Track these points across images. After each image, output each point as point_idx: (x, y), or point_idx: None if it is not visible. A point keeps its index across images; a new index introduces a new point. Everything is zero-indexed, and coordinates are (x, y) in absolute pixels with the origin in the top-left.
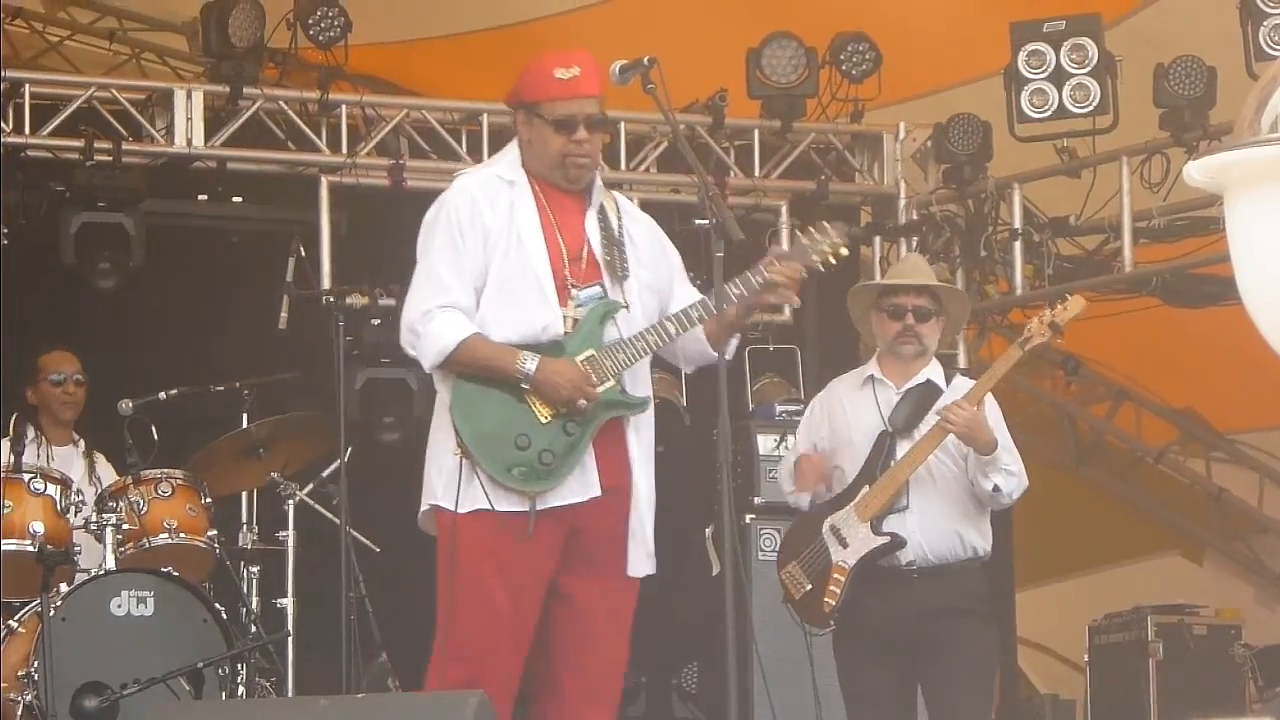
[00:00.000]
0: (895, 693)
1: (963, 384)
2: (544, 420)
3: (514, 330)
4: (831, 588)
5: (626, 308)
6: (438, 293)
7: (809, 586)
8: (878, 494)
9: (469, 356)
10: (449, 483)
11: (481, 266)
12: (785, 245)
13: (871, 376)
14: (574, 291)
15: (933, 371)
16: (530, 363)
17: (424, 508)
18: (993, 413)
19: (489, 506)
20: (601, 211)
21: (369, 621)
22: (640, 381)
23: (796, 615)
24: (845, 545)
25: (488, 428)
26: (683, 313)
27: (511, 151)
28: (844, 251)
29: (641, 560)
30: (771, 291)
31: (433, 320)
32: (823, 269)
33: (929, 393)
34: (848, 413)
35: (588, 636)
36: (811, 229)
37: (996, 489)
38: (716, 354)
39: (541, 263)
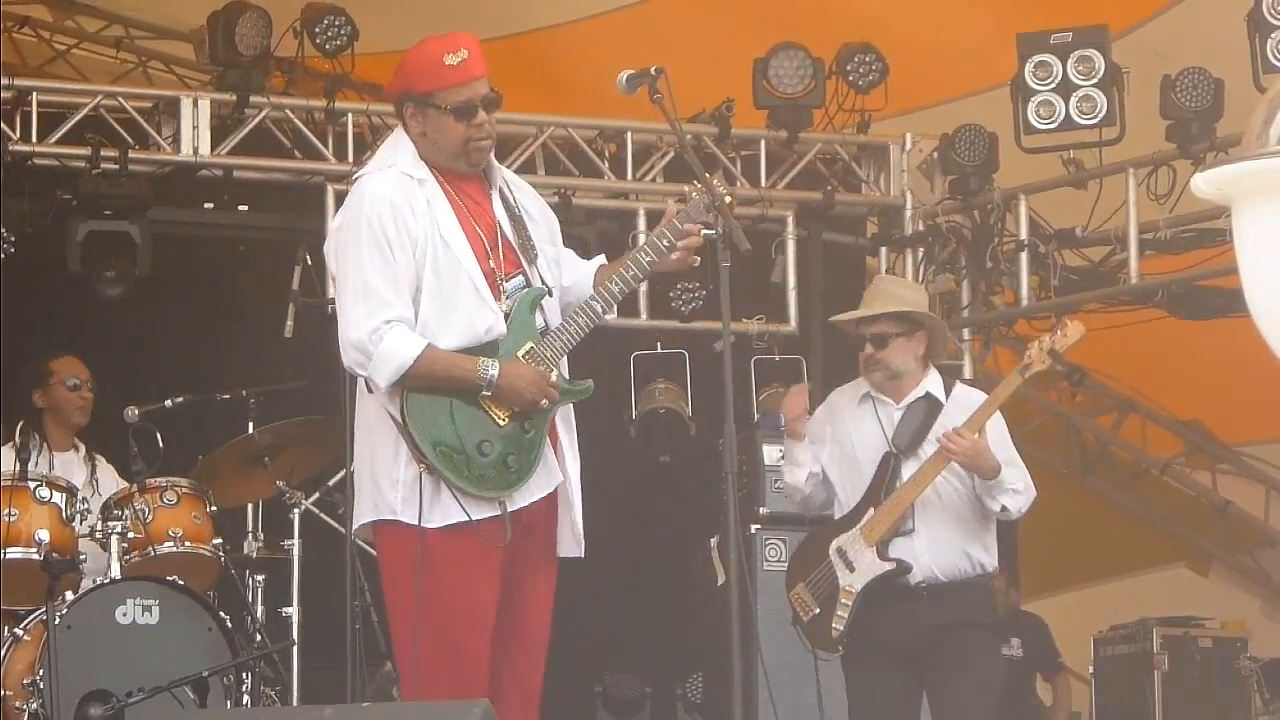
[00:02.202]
0: (900, 701)
1: (964, 394)
2: (501, 423)
3: (458, 336)
4: (839, 612)
5: (550, 293)
6: (380, 308)
7: (817, 610)
8: (883, 518)
9: (427, 369)
10: (409, 497)
11: (413, 275)
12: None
13: (869, 394)
14: (503, 285)
15: (931, 384)
16: (492, 369)
17: (370, 519)
18: (998, 429)
19: (465, 518)
20: (501, 192)
21: (374, 630)
22: (565, 366)
23: (805, 638)
24: (852, 569)
25: (448, 439)
26: (605, 290)
27: (403, 147)
28: (729, 199)
29: (572, 543)
30: (672, 260)
31: (383, 339)
32: (716, 229)
33: (930, 408)
34: (850, 431)
35: (526, 632)
36: (696, 184)
37: (1004, 509)
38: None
39: (471, 263)
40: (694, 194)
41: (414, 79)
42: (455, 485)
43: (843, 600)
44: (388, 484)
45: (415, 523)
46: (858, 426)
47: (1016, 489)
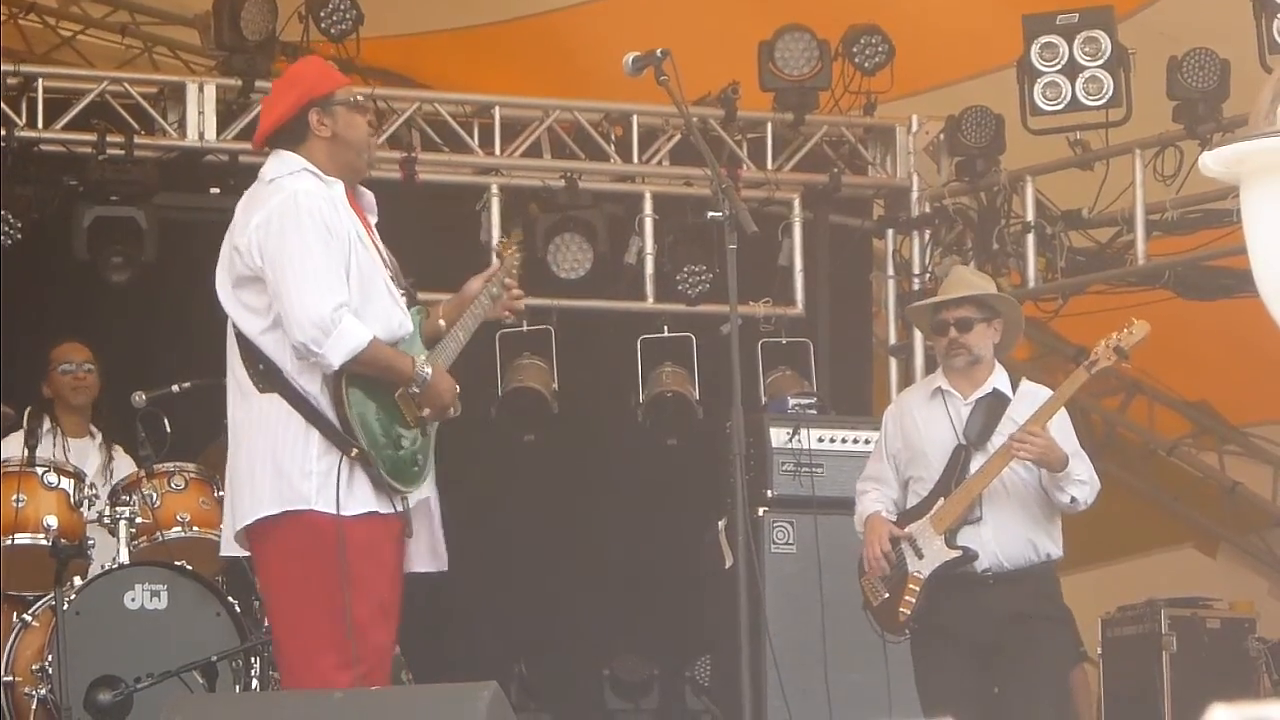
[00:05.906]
0: (972, 695)
1: (1029, 390)
2: (411, 424)
3: (381, 329)
4: (907, 597)
5: (427, 315)
6: (335, 291)
7: (886, 595)
8: (952, 507)
9: (373, 357)
10: (324, 486)
11: (346, 268)
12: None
13: (940, 389)
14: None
15: (998, 380)
16: (427, 368)
17: (274, 511)
18: (1061, 423)
19: (376, 509)
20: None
21: None
22: None
23: (874, 622)
24: (921, 556)
25: (377, 431)
26: (471, 316)
27: (295, 161)
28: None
29: (430, 558)
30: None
31: (342, 320)
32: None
33: (998, 402)
34: (920, 425)
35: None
36: (506, 241)
37: (1073, 500)
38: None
39: (380, 263)
40: (505, 252)
41: (314, 84)
42: (378, 474)
43: (910, 586)
44: (299, 475)
45: (331, 511)
46: (928, 421)
47: (1083, 480)
